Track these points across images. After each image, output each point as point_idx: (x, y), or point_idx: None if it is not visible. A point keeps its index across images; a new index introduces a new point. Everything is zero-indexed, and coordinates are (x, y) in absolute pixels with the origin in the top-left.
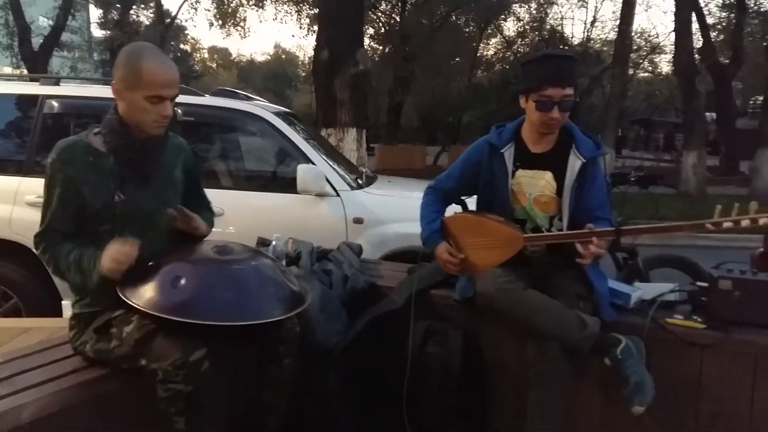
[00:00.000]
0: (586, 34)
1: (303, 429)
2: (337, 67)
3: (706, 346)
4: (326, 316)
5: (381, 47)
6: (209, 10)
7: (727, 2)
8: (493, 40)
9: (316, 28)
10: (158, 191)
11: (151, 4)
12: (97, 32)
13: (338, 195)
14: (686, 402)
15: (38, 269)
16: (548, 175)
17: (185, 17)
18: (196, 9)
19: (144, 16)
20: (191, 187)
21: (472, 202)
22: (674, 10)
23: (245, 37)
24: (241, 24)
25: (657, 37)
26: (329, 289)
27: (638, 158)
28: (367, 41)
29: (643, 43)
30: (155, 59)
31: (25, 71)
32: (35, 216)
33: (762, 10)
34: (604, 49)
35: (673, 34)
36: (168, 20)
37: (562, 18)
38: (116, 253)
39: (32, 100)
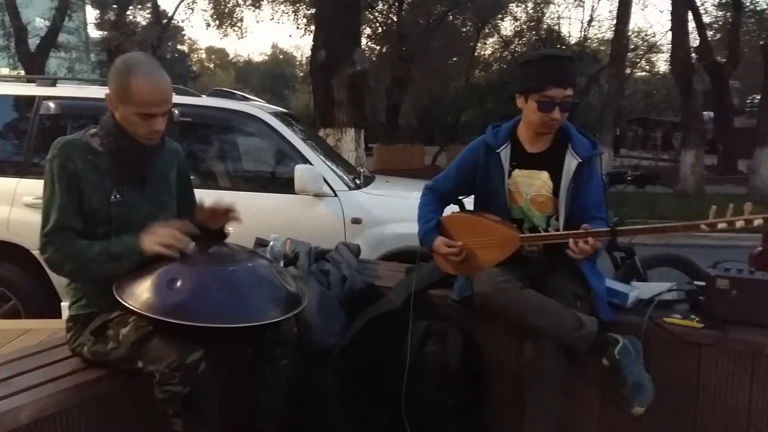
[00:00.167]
0: (583, 33)
1: (301, 430)
2: (335, 67)
3: (704, 345)
4: (324, 316)
5: (378, 47)
6: (206, 11)
7: (724, 1)
8: (491, 40)
9: (313, 28)
10: (153, 194)
11: (148, 5)
12: (94, 33)
13: (336, 195)
14: (684, 401)
15: (37, 270)
16: (545, 175)
17: (182, 18)
18: (192, 9)
19: (141, 17)
20: (184, 192)
21: (469, 202)
22: (671, 9)
23: (242, 37)
24: (238, 24)
25: (654, 36)
26: (327, 289)
27: (636, 157)
28: (364, 41)
29: (640, 42)
30: (146, 77)
31: (23, 72)
32: (33, 217)
33: (758, 8)
34: (601, 48)
35: (670, 33)
36: (165, 21)
37: (559, 17)
38: (164, 235)
39: (29, 101)
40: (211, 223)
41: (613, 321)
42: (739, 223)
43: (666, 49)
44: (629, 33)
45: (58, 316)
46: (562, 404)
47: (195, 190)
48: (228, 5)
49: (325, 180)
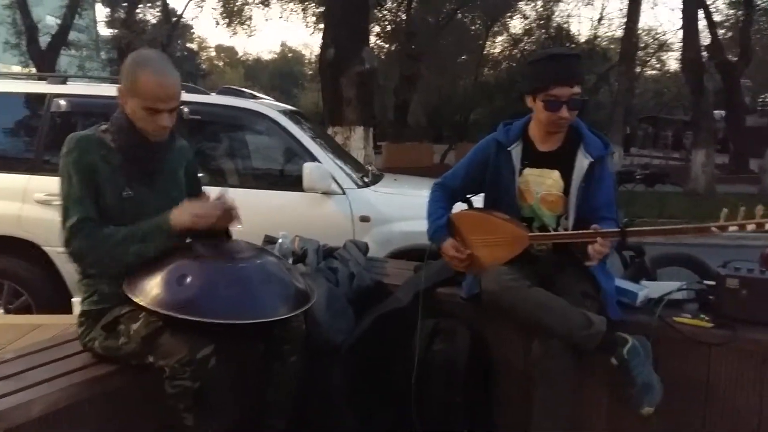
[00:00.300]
0: (592, 31)
1: (308, 426)
2: (344, 66)
3: (714, 344)
4: (332, 313)
5: (387, 45)
6: (215, 9)
7: None
8: (500, 38)
9: (322, 26)
10: (163, 190)
11: (158, 3)
12: (104, 31)
13: (344, 193)
14: (694, 401)
15: (48, 266)
16: (555, 174)
17: (191, 16)
18: (201, 7)
19: (150, 15)
20: (193, 189)
21: (478, 201)
22: (681, 7)
23: (251, 35)
24: (247, 22)
25: (664, 35)
26: (335, 287)
27: (647, 156)
28: (373, 39)
29: (651, 40)
30: (154, 72)
31: (34, 70)
32: (44, 214)
33: None
34: (611, 46)
35: (681, 31)
36: (174, 19)
37: (568, 16)
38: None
39: (40, 98)
40: (216, 224)
41: (622, 320)
42: (751, 227)
43: (677, 48)
44: (639, 31)
45: (69, 311)
46: (569, 403)
47: (204, 188)
48: (237, 3)
49: (333, 178)
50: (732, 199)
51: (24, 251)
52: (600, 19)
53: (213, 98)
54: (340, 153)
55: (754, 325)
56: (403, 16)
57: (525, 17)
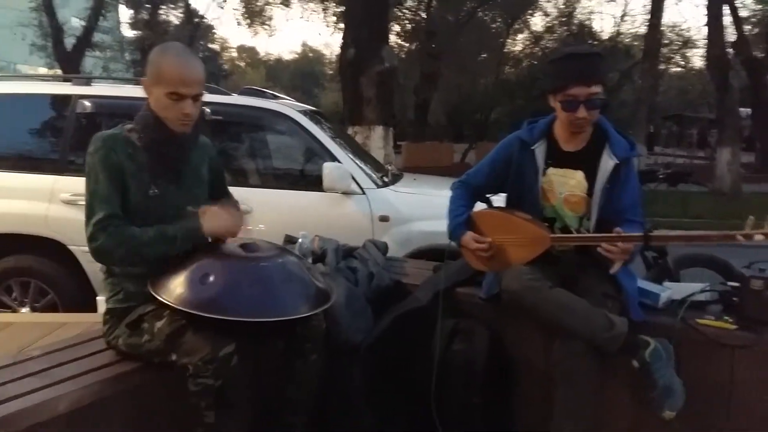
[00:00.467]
0: (615, 28)
1: (327, 426)
2: (364, 65)
3: (738, 347)
4: (352, 313)
5: (407, 44)
6: (237, 9)
7: None
8: (521, 36)
9: (342, 26)
10: (188, 188)
11: (180, 4)
12: (128, 32)
13: (364, 193)
14: (717, 404)
15: (74, 265)
16: (579, 175)
17: (213, 16)
18: (222, 8)
19: (173, 16)
20: (217, 187)
21: (498, 201)
22: (706, 3)
23: (272, 35)
24: (268, 23)
25: (689, 31)
26: (355, 286)
27: (671, 155)
28: (392, 38)
29: (675, 37)
30: (178, 57)
31: (59, 71)
32: (70, 213)
33: None
34: (635, 43)
35: (705, 27)
36: (196, 20)
37: (590, 12)
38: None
39: (65, 99)
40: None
41: (645, 321)
42: None
43: (701, 44)
44: (663, 28)
45: (94, 310)
46: (591, 404)
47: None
48: (258, 3)
49: (353, 178)
50: (759, 198)
51: (50, 250)
52: (623, 16)
53: (235, 99)
54: (360, 153)
55: None
56: (423, 15)
57: (546, 14)
